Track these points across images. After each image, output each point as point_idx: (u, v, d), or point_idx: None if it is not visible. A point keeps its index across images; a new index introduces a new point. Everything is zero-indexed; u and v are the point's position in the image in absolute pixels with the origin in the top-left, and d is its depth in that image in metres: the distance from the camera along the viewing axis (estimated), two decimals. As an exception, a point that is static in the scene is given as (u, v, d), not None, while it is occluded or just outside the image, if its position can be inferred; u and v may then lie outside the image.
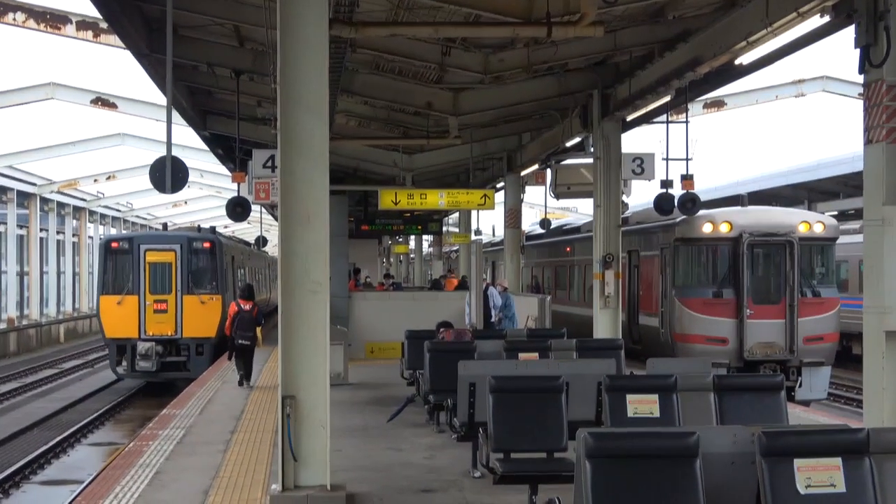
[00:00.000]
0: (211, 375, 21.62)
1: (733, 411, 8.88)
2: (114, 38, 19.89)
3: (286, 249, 9.82)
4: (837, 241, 22.14)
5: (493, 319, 21.75)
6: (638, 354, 20.51)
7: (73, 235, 50.68)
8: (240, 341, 18.90)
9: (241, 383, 19.12)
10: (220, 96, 23.19)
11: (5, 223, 40.75)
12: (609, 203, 20.12)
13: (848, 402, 24.68)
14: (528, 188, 30.82)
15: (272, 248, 54.75)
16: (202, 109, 25.13)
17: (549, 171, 25.76)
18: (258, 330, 19.15)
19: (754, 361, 20.47)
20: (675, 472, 5.89)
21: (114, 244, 27.46)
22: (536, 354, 12.91)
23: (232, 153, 24.09)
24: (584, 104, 20.63)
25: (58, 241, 47.25)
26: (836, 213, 34.15)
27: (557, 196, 26.07)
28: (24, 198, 42.23)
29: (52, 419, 23.44)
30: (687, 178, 19.64)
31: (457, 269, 43.88)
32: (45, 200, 44.73)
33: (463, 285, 29.19)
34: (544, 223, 35.19)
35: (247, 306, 19.19)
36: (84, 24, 21.16)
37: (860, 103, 10.81)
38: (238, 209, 20.25)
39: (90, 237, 52.66)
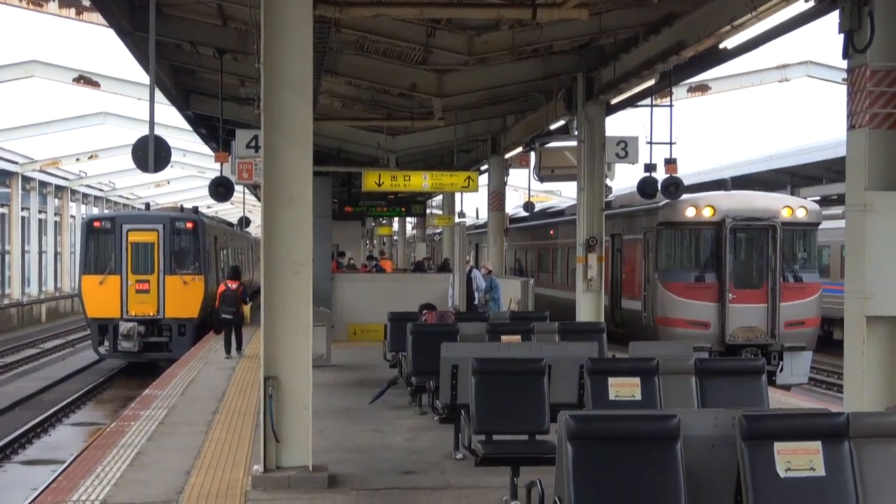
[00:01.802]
0: (193, 356, 21.60)
1: (714, 395, 8.91)
2: (96, 16, 19.76)
3: (269, 230, 9.80)
4: (820, 226, 22.22)
5: (476, 302, 21.77)
6: (620, 338, 20.57)
7: (55, 215, 50.41)
8: (223, 315, 21.01)
9: (227, 353, 20.80)
10: (203, 76, 23.07)
11: (-14, 202, 40.62)
12: (592, 186, 20.12)
13: (829, 386, 24.82)
14: (511, 171, 30.81)
15: (255, 229, 54.64)
16: (185, 89, 25.01)
17: (533, 154, 25.78)
18: (245, 307, 21.31)
19: (736, 345, 20.54)
20: (655, 454, 5.92)
21: (96, 224, 27.37)
22: (519, 337, 12.95)
23: (215, 133, 24.04)
24: (569, 87, 20.60)
25: (39, 221, 47.05)
26: (818, 198, 34.22)
27: (541, 179, 26.13)
28: (5, 176, 41.99)
29: (34, 399, 23.39)
30: (671, 162, 19.67)
31: (440, 251, 43.87)
32: (26, 179, 44.48)
33: (445, 268, 29.23)
34: (528, 206, 35.20)
35: (233, 285, 21.30)
36: (66, 2, 21.02)
37: (844, 88, 10.82)
38: (221, 189, 20.22)
39: (72, 216, 52.43)
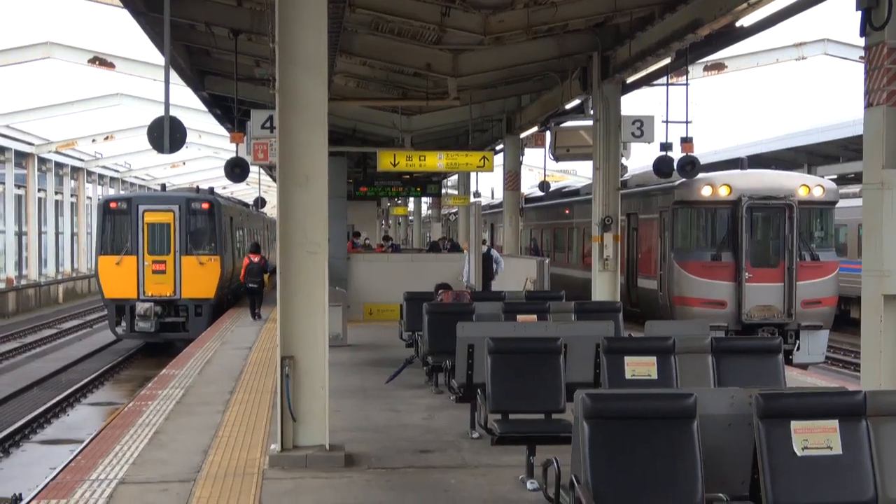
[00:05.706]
0: (210, 336, 21.67)
1: (731, 374, 8.90)
2: (111, -3, 19.75)
3: (285, 210, 9.80)
4: (837, 205, 22.13)
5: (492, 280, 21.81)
6: (636, 317, 20.56)
7: (72, 195, 50.57)
8: (250, 285, 24.94)
9: (253, 316, 24.57)
10: (218, 56, 23.07)
11: (3, 183, 40.62)
12: (608, 165, 20.07)
13: (846, 365, 24.77)
14: (527, 150, 30.73)
15: (271, 210, 54.70)
16: (200, 69, 25.02)
17: (548, 134, 25.68)
18: (266, 277, 25.03)
19: (752, 324, 20.52)
20: (672, 433, 5.92)
21: (112, 204, 27.42)
22: (535, 316, 12.94)
23: (230, 113, 24.03)
24: (584, 66, 20.53)
25: (56, 201, 47.20)
26: (835, 176, 34.08)
27: (557, 158, 26.04)
28: (21, 157, 42.10)
29: (52, 379, 23.53)
30: (687, 141, 19.60)
31: (456, 231, 43.87)
32: (42, 160, 44.59)
33: (457, 248, 29.29)
34: (543, 186, 35.13)
35: (255, 259, 25.19)
36: (81, -17, 21.00)
37: (861, 66, 10.75)
38: (236, 170, 20.24)
39: (88, 197, 52.58)
